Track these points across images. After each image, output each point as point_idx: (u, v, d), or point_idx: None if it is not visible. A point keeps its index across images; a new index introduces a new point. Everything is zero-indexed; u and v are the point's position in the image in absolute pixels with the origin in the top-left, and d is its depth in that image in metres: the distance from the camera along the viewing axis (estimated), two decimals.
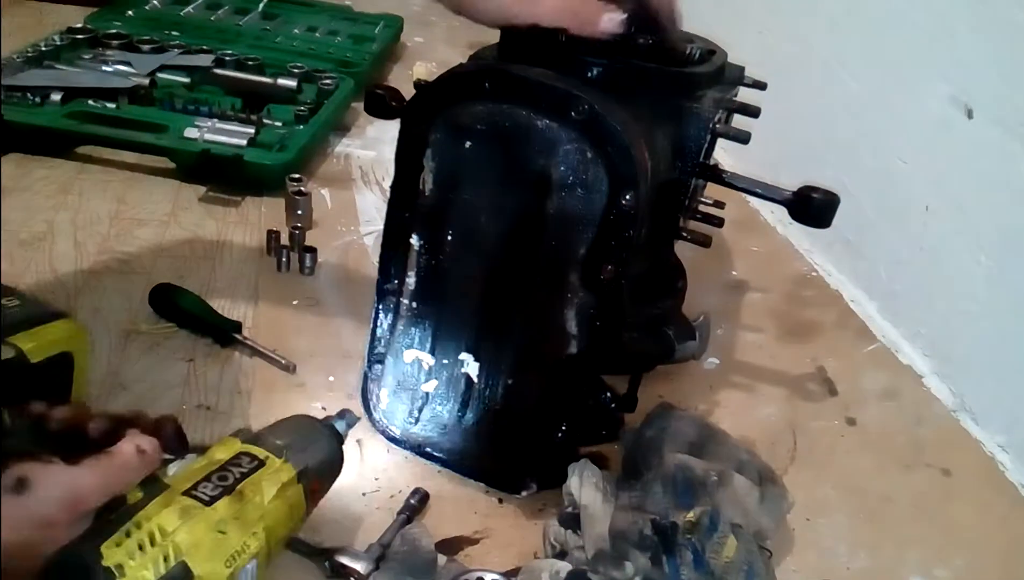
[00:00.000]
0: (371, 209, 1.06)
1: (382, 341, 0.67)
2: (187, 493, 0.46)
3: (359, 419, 0.60)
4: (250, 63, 1.33)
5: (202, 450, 0.51)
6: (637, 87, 0.63)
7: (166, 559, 0.42)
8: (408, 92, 0.63)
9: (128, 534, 0.42)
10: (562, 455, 0.63)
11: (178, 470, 0.49)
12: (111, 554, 0.41)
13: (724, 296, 0.99)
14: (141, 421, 0.48)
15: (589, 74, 0.64)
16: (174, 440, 0.49)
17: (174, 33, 1.42)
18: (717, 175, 0.67)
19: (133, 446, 0.45)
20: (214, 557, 0.44)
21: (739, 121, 0.72)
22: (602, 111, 0.56)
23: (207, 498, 0.46)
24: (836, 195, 0.62)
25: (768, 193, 0.65)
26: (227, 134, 1.08)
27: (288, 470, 0.51)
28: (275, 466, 0.50)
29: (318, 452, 0.54)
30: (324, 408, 0.71)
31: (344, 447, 0.58)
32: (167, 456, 0.48)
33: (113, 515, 0.43)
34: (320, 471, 0.54)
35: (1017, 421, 0.79)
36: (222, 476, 0.48)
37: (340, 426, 0.58)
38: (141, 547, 0.42)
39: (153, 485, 0.46)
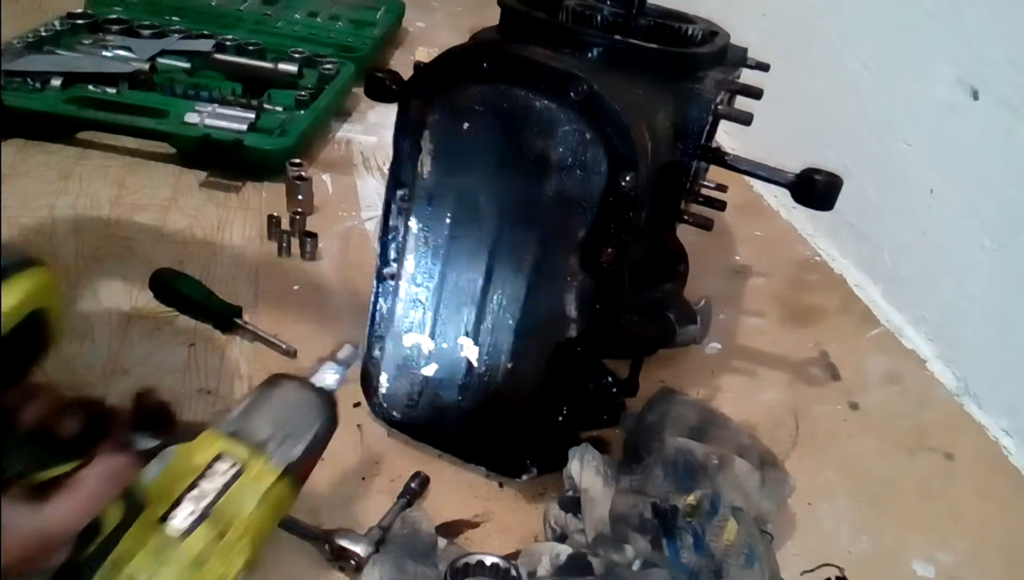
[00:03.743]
0: (372, 194, 1.05)
1: (381, 325, 0.67)
2: (164, 518, 0.43)
3: (359, 353, 0.53)
4: (251, 48, 1.32)
5: (193, 428, 0.47)
6: (638, 68, 0.63)
7: None
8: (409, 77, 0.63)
9: None
10: (563, 439, 0.63)
11: (158, 471, 0.45)
12: None
13: (726, 280, 0.98)
14: (118, 413, 0.44)
15: (589, 54, 0.63)
16: (158, 423, 0.45)
17: (174, 18, 1.41)
18: (719, 157, 0.67)
19: (101, 472, 0.41)
20: None
21: (742, 103, 0.71)
22: (601, 91, 0.55)
23: (184, 528, 0.43)
24: (839, 177, 0.62)
25: (771, 176, 0.64)
26: (227, 119, 1.07)
27: (270, 472, 0.46)
28: (255, 469, 0.45)
29: (306, 431, 0.48)
30: None
31: (337, 400, 0.51)
32: (151, 443, 0.45)
33: (92, 544, 0.41)
34: (310, 451, 0.49)
35: (1021, 405, 0.78)
36: (199, 495, 0.44)
37: (330, 382, 0.51)
38: None
39: (132, 497, 0.43)
